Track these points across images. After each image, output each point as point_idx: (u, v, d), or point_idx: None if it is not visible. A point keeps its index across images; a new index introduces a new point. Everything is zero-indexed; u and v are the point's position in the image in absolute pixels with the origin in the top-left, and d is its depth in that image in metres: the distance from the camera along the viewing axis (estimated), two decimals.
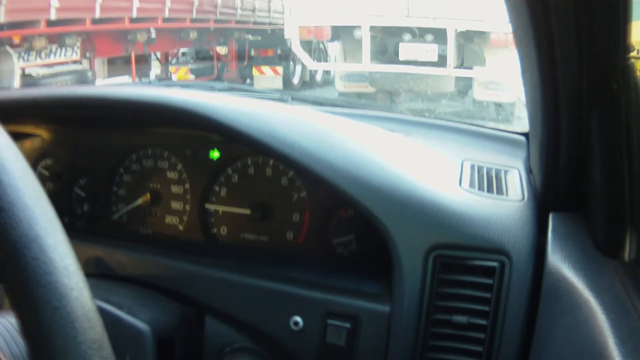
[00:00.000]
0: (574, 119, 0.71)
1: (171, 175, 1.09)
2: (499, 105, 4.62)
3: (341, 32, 4.95)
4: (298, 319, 0.86)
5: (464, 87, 4.94)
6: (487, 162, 1.03)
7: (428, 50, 4.64)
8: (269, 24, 9.62)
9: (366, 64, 4.66)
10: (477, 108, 4.75)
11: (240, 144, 0.98)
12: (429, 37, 4.64)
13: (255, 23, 9.34)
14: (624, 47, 0.62)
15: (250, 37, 9.44)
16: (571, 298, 0.66)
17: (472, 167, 1.00)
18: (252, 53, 9.23)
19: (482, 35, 4.59)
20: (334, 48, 5.85)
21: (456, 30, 4.49)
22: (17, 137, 0.68)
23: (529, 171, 1.01)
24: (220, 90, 1.65)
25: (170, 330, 0.87)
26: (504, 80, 4.53)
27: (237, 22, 8.93)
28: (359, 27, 4.63)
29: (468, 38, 4.74)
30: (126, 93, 0.93)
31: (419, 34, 4.65)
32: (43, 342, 0.38)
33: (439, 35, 4.57)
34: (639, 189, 0.67)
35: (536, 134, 0.83)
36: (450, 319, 0.79)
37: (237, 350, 0.91)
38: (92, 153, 1.15)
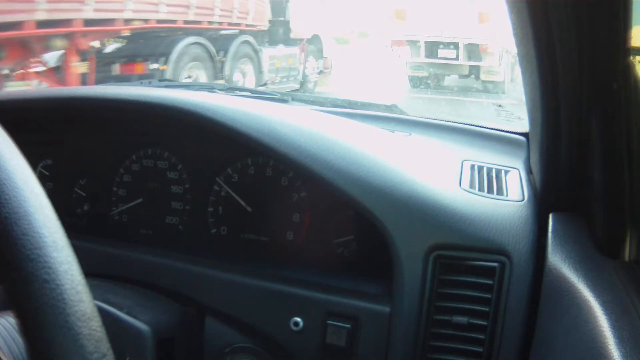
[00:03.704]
0: (574, 119, 0.71)
1: (171, 175, 1.09)
2: (493, 84, 9.61)
3: (409, 43, 10.22)
4: (298, 319, 0.86)
5: (475, 71, 10.00)
6: (487, 162, 1.03)
7: (450, 52, 9.85)
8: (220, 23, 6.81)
9: (422, 59, 10.00)
10: (479, 84, 9.91)
11: (241, 144, 0.98)
12: (451, 46, 9.77)
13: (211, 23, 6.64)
14: (624, 47, 0.62)
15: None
16: (571, 298, 0.66)
17: (472, 167, 1.00)
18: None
19: (476, 44, 9.61)
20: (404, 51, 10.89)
21: (463, 43, 9.64)
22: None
23: (529, 171, 1.01)
24: (220, 91, 1.65)
25: (171, 331, 0.87)
26: (498, 69, 9.53)
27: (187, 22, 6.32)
28: (419, 41, 9.90)
29: (469, 46, 9.73)
30: (127, 93, 0.93)
31: (447, 45, 9.82)
32: (32, 314, 0.39)
33: (455, 45, 9.75)
34: (639, 189, 0.67)
35: (536, 134, 0.83)
36: (451, 320, 0.79)
37: (237, 350, 0.91)
38: (92, 153, 1.15)
